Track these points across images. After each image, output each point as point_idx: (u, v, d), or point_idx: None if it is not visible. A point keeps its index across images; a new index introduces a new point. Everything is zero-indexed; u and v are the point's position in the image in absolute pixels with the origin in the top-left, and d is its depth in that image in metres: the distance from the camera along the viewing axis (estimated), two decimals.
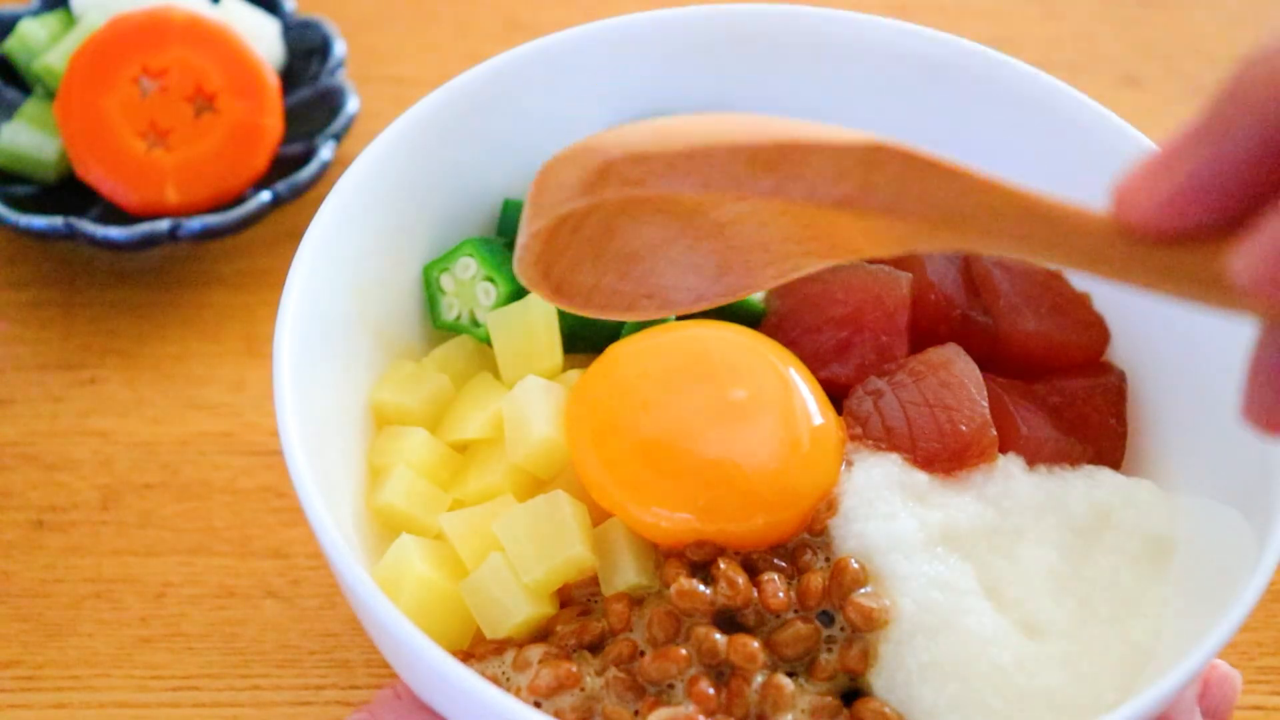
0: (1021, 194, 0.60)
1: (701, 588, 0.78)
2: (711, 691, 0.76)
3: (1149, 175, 0.52)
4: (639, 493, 0.81)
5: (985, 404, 0.84)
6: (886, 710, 0.77)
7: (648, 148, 0.66)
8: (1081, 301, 0.92)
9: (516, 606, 0.80)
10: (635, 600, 0.80)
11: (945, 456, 0.83)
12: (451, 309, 0.91)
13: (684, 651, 0.77)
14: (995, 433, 0.84)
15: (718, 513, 0.80)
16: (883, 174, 0.63)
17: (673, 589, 0.78)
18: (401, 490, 0.84)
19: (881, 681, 0.78)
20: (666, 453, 0.81)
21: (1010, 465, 0.84)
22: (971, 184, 0.61)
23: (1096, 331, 0.91)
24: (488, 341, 0.90)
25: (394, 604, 0.73)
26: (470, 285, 0.90)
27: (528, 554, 0.80)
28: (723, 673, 0.77)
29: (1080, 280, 0.92)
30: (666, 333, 0.86)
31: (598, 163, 0.67)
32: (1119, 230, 0.55)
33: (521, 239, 0.71)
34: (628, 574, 0.80)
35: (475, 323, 0.90)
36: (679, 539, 0.81)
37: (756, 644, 0.77)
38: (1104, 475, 0.85)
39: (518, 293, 0.90)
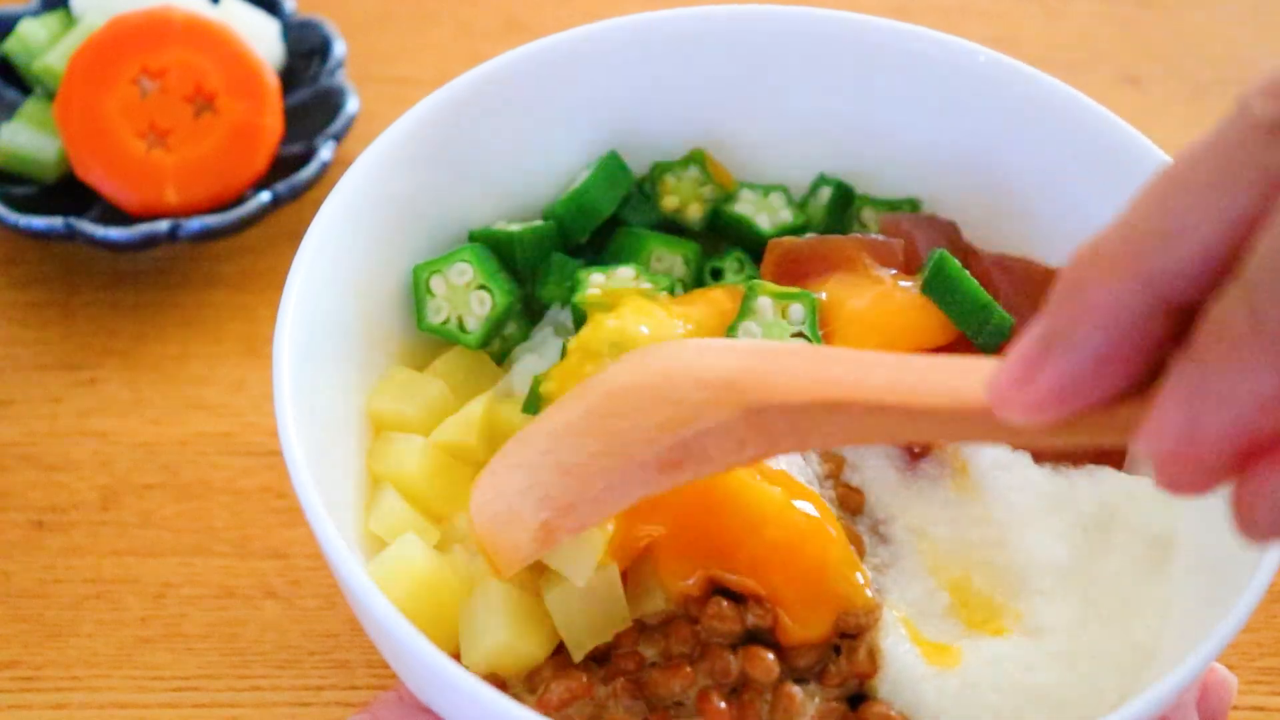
0: (906, 405, 0.60)
1: (733, 609, 0.77)
2: (723, 706, 0.76)
3: (1013, 384, 0.53)
4: None
5: None
6: (892, 713, 0.77)
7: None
8: None
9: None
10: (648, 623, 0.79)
11: None
12: (439, 312, 0.89)
13: (696, 668, 0.77)
14: None
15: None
16: (773, 429, 0.65)
17: (708, 610, 0.77)
18: (390, 523, 0.83)
19: (886, 685, 0.78)
20: None
21: (1016, 463, 0.84)
22: (857, 409, 0.62)
23: None
24: (474, 348, 0.89)
25: (394, 605, 0.73)
26: (464, 291, 0.89)
27: (580, 629, 0.78)
28: (735, 686, 0.77)
29: None
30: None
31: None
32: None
33: None
34: (655, 600, 0.79)
35: (464, 329, 0.90)
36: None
37: (772, 656, 0.77)
38: (1106, 474, 0.85)
39: (511, 305, 0.89)
